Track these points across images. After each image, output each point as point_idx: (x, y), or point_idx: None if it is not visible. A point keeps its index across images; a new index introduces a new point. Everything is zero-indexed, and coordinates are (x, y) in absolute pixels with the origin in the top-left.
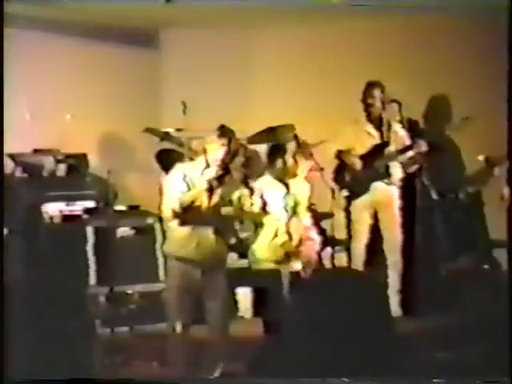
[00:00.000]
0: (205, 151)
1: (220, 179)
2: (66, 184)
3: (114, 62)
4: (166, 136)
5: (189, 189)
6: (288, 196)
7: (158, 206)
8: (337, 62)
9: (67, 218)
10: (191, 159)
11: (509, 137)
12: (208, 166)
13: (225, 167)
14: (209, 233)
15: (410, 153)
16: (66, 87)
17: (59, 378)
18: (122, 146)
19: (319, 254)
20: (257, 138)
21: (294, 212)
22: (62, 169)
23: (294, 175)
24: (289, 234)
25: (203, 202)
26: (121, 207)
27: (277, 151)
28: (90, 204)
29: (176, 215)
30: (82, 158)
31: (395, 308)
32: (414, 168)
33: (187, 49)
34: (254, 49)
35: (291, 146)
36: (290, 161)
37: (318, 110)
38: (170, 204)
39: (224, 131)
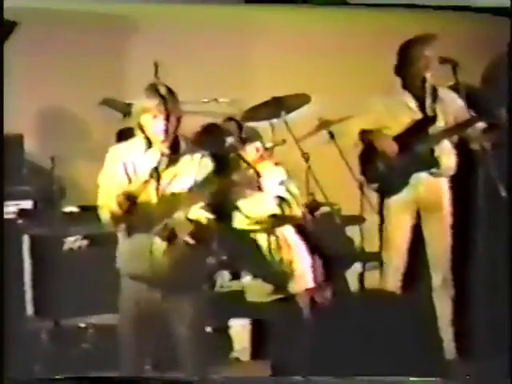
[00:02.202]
0: (140, 126)
1: (169, 162)
2: None
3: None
4: (130, 109)
5: (130, 181)
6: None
7: None
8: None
9: None
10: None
11: (509, 137)
12: (150, 145)
13: (171, 141)
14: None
15: (475, 128)
16: None
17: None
18: (71, 125)
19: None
20: (257, 113)
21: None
22: None
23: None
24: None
25: (151, 196)
26: (70, 208)
27: None
28: (27, 204)
29: (116, 219)
30: (16, 140)
31: (448, 347)
32: (487, 145)
33: None
34: None
35: None
36: None
37: (336, 75)
38: (108, 204)
39: (153, 90)
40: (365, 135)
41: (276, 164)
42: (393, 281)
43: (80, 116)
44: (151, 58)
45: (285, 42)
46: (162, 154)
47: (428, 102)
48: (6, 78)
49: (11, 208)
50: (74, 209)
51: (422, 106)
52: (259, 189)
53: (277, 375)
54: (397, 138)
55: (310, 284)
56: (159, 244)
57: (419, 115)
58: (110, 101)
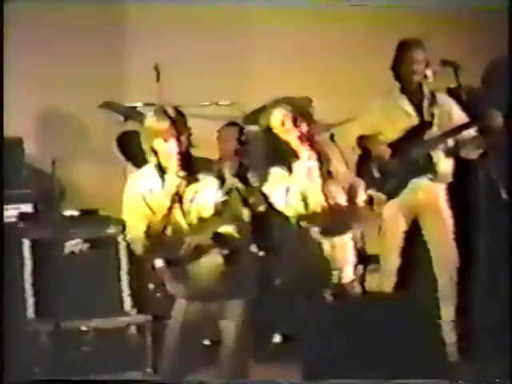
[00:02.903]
0: (153, 150)
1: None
2: None
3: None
4: (131, 113)
5: (152, 210)
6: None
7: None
8: (361, 13)
9: None
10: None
11: (509, 137)
12: (162, 170)
13: (185, 162)
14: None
15: (470, 132)
16: None
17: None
18: (71, 127)
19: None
20: (258, 116)
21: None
22: None
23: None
24: None
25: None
26: (70, 212)
27: None
28: (27, 208)
29: (149, 251)
30: (16, 143)
31: (450, 349)
32: (475, 153)
33: None
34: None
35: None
36: None
37: (337, 78)
38: (139, 238)
39: (161, 113)
40: (362, 140)
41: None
42: (390, 283)
43: (80, 119)
44: (151, 60)
45: (286, 44)
46: (179, 177)
47: (425, 106)
48: (6, 81)
49: (11, 211)
50: (75, 212)
51: (419, 111)
52: None
53: None
54: (393, 144)
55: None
56: (206, 262)
57: (416, 120)
58: (111, 104)
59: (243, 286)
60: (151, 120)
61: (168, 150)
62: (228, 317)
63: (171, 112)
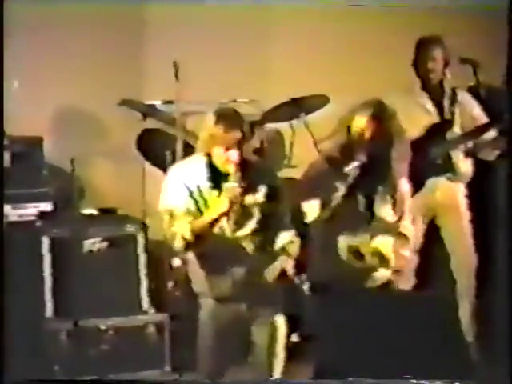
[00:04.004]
0: (207, 154)
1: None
2: (11, 179)
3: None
4: (150, 111)
5: (197, 206)
6: None
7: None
8: (381, 11)
9: (15, 226)
10: (186, 154)
11: (509, 138)
12: (214, 170)
13: (244, 170)
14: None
15: (490, 133)
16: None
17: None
18: (90, 126)
19: None
20: (276, 114)
21: None
22: (5, 158)
23: None
24: None
25: (221, 226)
26: (89, 210)
27: None
28: (47, 206)
29: (189, 245)
30: (35, 142)
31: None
32: (494, 155)
33: None
34: None
35: None
36: None
37: (355, 76)
38: (179, 230)
39: (226, 120)
40: None
41: None
42: (408, 282)
43: (99, 117)
44: (170, 58)
45: (304, 42)
46: (238, 186)
47: (446, 104)
48: (25, 80)
49: (31, 210)
50: (94, 211)
51: (439, 109)
52: None
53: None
54: (413, 142)
55: None
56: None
57: (436, 118)
58: (130, 101)
59: (274, 294)
60: (214, 129)
61: (227, 157)
62: (259, 323)
63: (240, 121)
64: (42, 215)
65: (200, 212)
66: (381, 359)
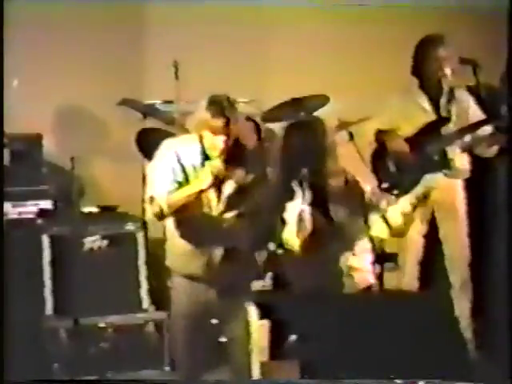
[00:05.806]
0: (199, 136)
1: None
2: (11, 177)
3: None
4: (150, 110)
5: (186, 179)
6: None
7: (142, 207)
8: (380, 11)
9: (14, 224)
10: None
11: (509, 138)
12: (205, 154)
13: (228, 161)
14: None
15: (486, 129)
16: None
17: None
18: (90, 124)
19: None
20: (276, 114)
21: None
22: (5, 156)
23: None
24: None
25: (209, 205)
26: (89, 208)
27: None
28: (46, 204)
29: (162, 217)
30: (35, 140)
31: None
32: (491, 151)
33: None
34: None
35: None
36: None
37: (354, 76)
38: (157, 200)
39: (217, 107)
40: (379, 135)
41: None
42: (409, 279)
43: (99, 116)
44: (170, 57)
45: (304, 42)
46: (221, 168)
47: (443, 102)
48: (26, 78)
49: (31, 208)
50: (94, 209)
51: (436, 108)
52: None
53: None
54: (409, 139)
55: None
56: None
57: (433, 116)
58: (129, 101)
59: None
60: (204, 113)
61: (215, 142)
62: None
63: (227, 109)
64: (42, 213)
65: (180, 185)
66: (380, 359)
